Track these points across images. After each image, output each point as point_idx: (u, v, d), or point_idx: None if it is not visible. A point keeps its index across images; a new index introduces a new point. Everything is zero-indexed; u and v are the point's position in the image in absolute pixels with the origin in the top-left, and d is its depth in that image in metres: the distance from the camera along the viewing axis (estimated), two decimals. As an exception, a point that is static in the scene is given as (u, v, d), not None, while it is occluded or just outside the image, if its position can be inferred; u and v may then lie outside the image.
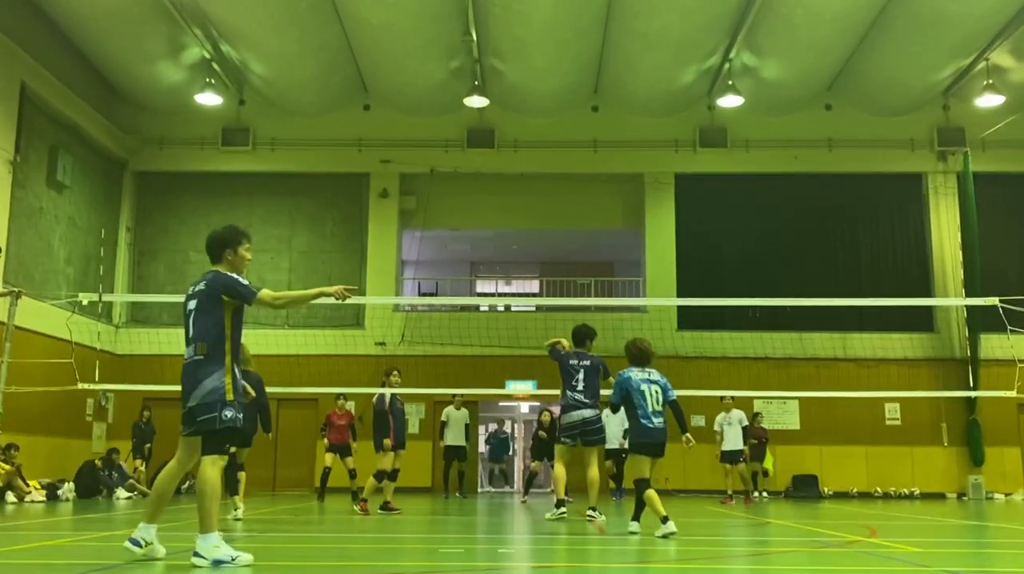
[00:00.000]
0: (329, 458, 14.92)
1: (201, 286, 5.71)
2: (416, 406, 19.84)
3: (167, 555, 5.74)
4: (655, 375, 8.15)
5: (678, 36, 17.98)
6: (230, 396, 5.47)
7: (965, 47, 18.54)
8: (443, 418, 17.42)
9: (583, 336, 10.34)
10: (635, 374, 8.07)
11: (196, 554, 5.32)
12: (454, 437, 17.17)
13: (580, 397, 10.00)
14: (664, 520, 7.54)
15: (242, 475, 10.57)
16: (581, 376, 10.04)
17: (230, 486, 10.46)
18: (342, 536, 8.57)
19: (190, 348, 5.63)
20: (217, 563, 5.25)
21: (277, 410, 19.89)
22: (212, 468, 5.40)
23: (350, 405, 15.32)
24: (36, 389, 13.86)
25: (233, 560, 5.30)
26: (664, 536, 7.39)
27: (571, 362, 10.17)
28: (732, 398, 15.67)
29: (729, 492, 15.78)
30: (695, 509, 13.53)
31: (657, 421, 7.94)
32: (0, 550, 6.58)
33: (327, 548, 7.17)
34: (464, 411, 17.39)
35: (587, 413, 9.95)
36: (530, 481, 16.63)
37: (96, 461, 16.35)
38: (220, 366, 5.51)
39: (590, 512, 9.94)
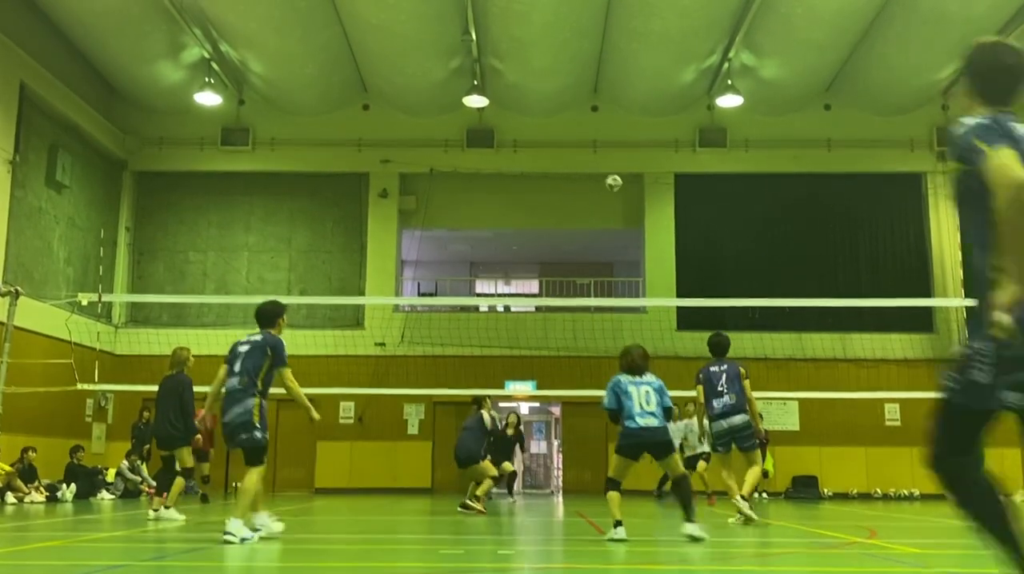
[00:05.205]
0: None
1: (258, 338, 7.50)
2: (416, 406, 19.84)
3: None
4: (648, 377, 7.91)
5: (678, 36, 17.97)
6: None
7: (965, 47, 18.48)
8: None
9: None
10: (624, 377, 7.90)
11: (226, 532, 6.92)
12: None
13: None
14: (616, 524, 7.46)
15: (178, 481, 10.20)
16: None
17: (165, 486, 10.60)
18: (342, 536, 8.57)
19: (235, 379, 7.32)
20: (243, 539, 6.89)
21: (277, 410, 19.98)
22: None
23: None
24: (36, 389, 13.86)
25: (248, 538, 6.94)
26: (611, 540, 7.34)
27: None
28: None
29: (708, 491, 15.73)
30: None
31: (643, 421, 7.65)
32: (0, 551, 6.57)
33: (327, 549, 7.17)
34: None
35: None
36: (511, 481, 15.87)
37: (74, 460, 16.26)
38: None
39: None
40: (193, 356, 10.74)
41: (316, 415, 7.47)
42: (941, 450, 3.29)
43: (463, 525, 10.08)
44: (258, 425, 7.22)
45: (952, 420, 3.25)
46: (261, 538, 7.17)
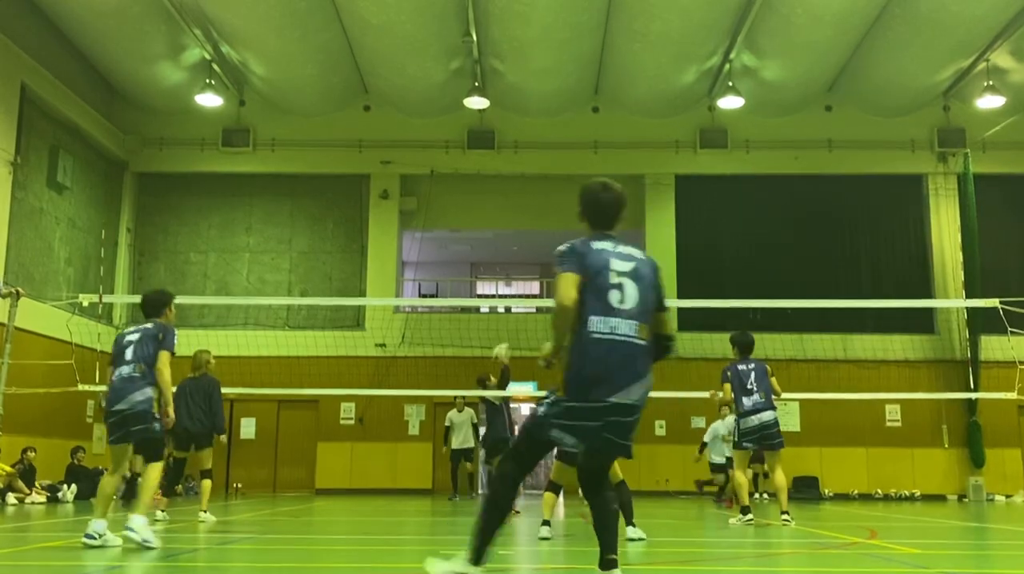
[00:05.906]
0: None
1: (149, 325, 7.17)
2: (416, 407, 19.84)
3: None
4: None
5: (678, 37, 17.97)
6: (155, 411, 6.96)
7: (965, 48, 18.53)
8: (446, 423, 16.81)
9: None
10: None
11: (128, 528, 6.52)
12: (461, 440, 16.50)
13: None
14: (544, 523, 7.88)
15: (206, 483, 10.30)
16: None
17: (167, 487, 10.78)
18: (342, 537, 8.57)
19: (127, 367, 6.92)
20: (144, 541, 6.46)
21: (278, 411, 20.02)
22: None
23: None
24: (36, 390, 13.86)
25: (149, 541, 6.50)
26: (541, 538, 7.69)
27: None
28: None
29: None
30: (695, 510, 13.52)
31: None
32: (0, 551, 6.57)
33: (327, 549, 7.17)
34: (468, 411, 16.76)
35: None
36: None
37: (75, 461, 16.25)
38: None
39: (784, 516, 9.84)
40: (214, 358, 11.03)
41: (171, 415, 7.03)
42: (508, 453, 4.44)
43: (463, 525, 10.08)
44: (157, 415, 6.94)
45: (522, 435, 4.39)
46: (93, 546, 6.53)
